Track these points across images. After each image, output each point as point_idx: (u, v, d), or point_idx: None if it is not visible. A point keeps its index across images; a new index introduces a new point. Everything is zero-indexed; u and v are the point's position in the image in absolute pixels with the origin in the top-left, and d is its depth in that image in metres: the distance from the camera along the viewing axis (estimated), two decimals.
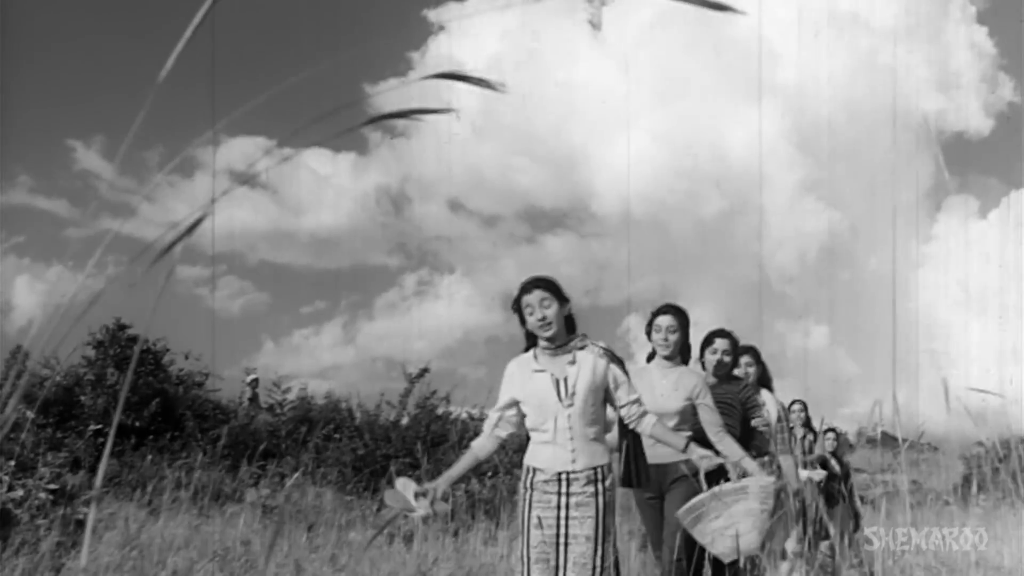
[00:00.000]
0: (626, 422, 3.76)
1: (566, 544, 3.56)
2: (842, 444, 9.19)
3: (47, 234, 15.18)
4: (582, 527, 3.56)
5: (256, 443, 9.97)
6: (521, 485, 3.71)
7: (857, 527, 7.14)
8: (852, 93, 14.52)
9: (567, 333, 3.70)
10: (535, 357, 3.69)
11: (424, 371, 11.55)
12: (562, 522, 3.57)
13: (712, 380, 4.83)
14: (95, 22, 16.19)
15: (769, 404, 5.20)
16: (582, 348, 3.69)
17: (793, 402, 7.17)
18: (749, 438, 4.78)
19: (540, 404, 3.63)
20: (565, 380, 3.62)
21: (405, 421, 11.10)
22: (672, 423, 4.27)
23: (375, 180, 16.10)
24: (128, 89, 15.83)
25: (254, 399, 12.37)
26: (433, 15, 15.26)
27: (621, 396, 3.71)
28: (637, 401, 3.74)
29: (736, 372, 5.13)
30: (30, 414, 7.57)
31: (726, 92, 15.17)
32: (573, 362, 3.65)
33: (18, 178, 14.81)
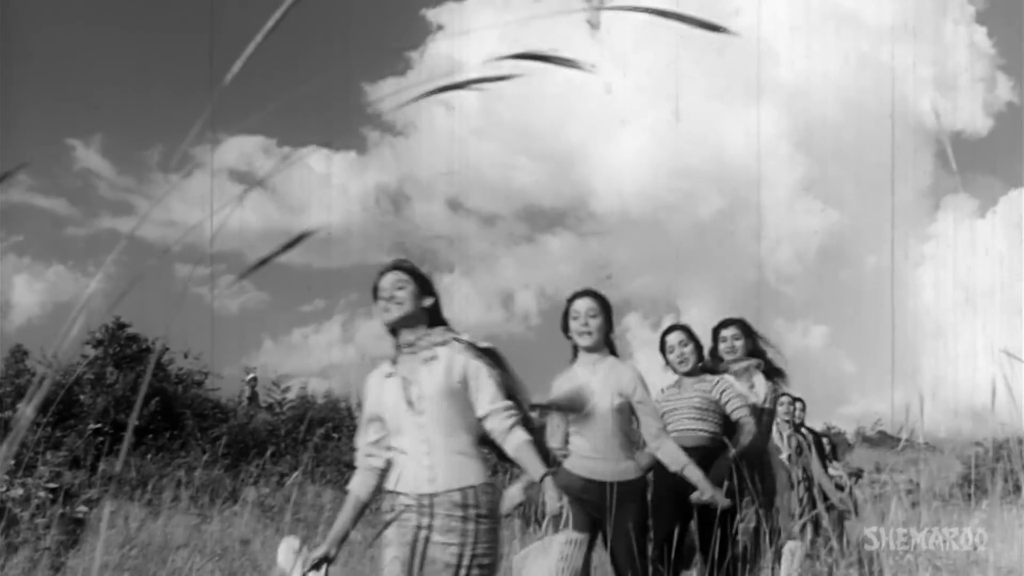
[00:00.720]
0: (492, 437, 2.96)
1: (420, 568, 2.86)
2: (841, 444, 9.20)
3: (46, 233, 15.15)
4: (443, 552, 2.85)
5: (255, 442, 9.98)
6: (381, 513, 3.04)
7: (840, 521, 6.99)
8: (851, 92, 14.54)
9: (429, 327, 3.03)
10: (392, 361, 3.03)
11: None
12: (419, 544, 2.88)
13: (683, 378, 4.39)
14: (95, 20, 16.19)
15: (759, 387, 4.67)
16: (443, 344, 3.00)
17: (794, 399, 6.85)
18: (732, 436, 4.28)
19: (392, 415, 2.97)
20: (416, 384, 2.96)
21: None
22: (608, 426, 3.75)
23: (374, 179, 16.08)
24: (129, 88, 15.82)
25: (253, 398, 12.37)
26: (432, 15, 15.25)
27: (481, 402, 2.94)
28: (507, 411, 2.94)
29: (721, 347, 4.70)
30: (31, 413, 7.56)
31: (725, 91, 15.18)
32: (430, 359, 2.97)
33: (17, 176, 14.79)
